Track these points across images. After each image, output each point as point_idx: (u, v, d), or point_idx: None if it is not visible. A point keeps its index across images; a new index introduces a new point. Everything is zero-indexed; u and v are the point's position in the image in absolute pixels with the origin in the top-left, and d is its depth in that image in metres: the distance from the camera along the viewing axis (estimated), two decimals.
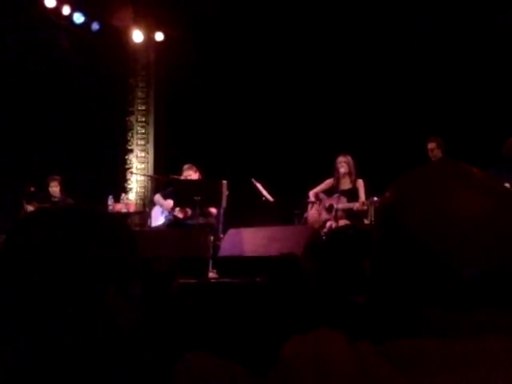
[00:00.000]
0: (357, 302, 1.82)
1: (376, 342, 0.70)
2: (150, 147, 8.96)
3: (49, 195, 7.48)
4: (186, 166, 6.77)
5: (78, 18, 8.06)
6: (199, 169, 6.84)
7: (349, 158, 6.46)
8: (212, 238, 6.25)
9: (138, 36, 8.49)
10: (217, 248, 6.10)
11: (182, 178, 6.73)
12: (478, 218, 0.67)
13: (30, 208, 7.00)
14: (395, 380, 0.64)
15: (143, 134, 8.98)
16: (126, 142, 8.94)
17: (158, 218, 6.80)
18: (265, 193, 6.79)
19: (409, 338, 0.68)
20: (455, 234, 0.67)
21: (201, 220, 6.36)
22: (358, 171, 6.50)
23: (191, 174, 6.70)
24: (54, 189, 7.43)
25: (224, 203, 6.24)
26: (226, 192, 6.19)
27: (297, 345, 0.72)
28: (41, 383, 0.81)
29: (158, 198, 6.91)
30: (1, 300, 0.85)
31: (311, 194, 6.68)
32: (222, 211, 6.65)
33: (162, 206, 6.78)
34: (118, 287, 0.86)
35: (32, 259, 0.83)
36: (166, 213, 6.76)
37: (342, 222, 5.95)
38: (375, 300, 0.76)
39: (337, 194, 6.35)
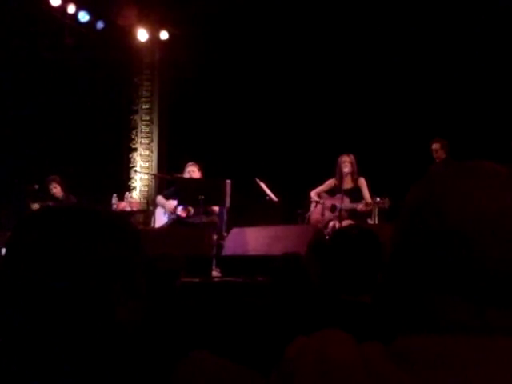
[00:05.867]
0: (361, 302, 1.82)
1: (381, 342, 0.70)
2: (154, 146, 8.96)
3: (51, 194, 7.48)
4: (189, 163, 6.77)
5: (83, 16, 8.07)
6: (203, 168, 6.84)
7: (352, 158, 6.46)
8: (216, 236, 6.25)
9: (142, 35, 8.49)
10: (220, 247, 6.10)
11: (186, 173, 6.72)
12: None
13: (35, 206, 7.01)
14: (401, 382, 0.64)
15: (147, 132, 8.99)
16: (130, 140, 8.94)
17: (161, 219, 6.78)
18: (268, 192, 6.79)
19: (416, 336, 0.68)
20: (491, 227, 0.66)
21: (204, 218, 6.35)
22: (359, 170, 6.50)
23: (195, 170, 6.69)
24: (54, 190, 7.42)
25: (228, 203, 6.24)
26: (229, 191, 6.18)
27: (301, 345, 0.71)
28: (43, 381, 0.81)
29: (159, 199, 6.88)
30: (4, 297, 0.85)
31: (313, 193, 6.68)
32: (225, 210, 6.64)
33: (164, 207, 6.75)
34: (122, 286, 0.86)
35: (36, 257, 0.84)
36: (168, 213, 6.76)
37: (346, 222, 5.93)
38: (384, 298, 0.75)
39: (340, 194, 6.35)
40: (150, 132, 8.99)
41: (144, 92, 9.00)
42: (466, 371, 0.64)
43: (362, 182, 6.46)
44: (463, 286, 0.67)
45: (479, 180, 0.70)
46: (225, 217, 6.70)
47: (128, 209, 7.44)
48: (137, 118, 8.98)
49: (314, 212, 6.62)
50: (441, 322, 0.68)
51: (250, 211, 6.77)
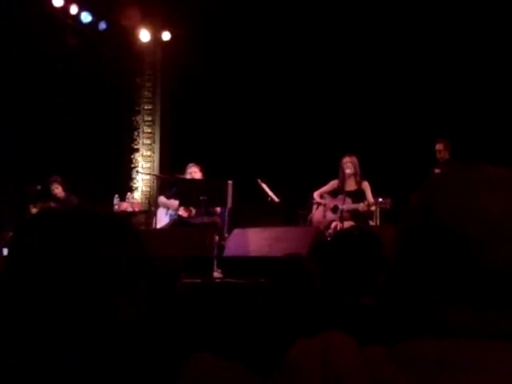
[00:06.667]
0: (362, 304, 1.82)
1: (383, 345, 0.70)
2: (156, 146, 8.97)
3: (53, 195, 7.50)
4: (190, 164, 6.80)
5: (86, 17, 8.08)
6: (205, 168, 6.85)
7: (354, 159, 6.45)
8: (217, 237, 6.25)
9: (144, 35, 8.50)
10: (222, 248, 6.10)
11: (187, 174, 6.74)
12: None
13: (34, 210, 7.03)
14: None
15: (149, 133, 9.00)
16: (132, 141, 8.95)
17: (162, 220, 6.79)
18: (270, 193, 6.79)
19: (418, 339, 0.68)
20: (493, 230, 0.66)
21: (205, 219, 6.35)
22: (363, 172, 6.49)
23: (197, 170, 6.71)
24: (56, 191, 7.45)
25: (229, 203, 6.24)
26: (231, 192, 6.18)
27: (303, 347, 0.71)
28: (46, 381, 0.81)
29: (162, 199, 6.89)
30: (7, 299, 0.85)
31: (316, 194, 6.67)
32: (227, 211, 6.65)
33: (167, 206, 6.77)
34: (124, 286, 0.86)
35: (38, 259, 0.84)
36: (170, 212, 6.76)
37: (347, 223, 5.93)
38: (386, 300, 0.75)
39: (342, 195, 6.34)
40: (152, 133, 9.00)
41: (146, 93, 9.01)
42: (468, 374, 0.64)
43: (366, 185, 6.45)
44: (464, 289, 0.67)
45: (481, 182, 0.70)
46: (226, 218, 6.71)
47: (130, 209, 7.44)
48: (139, 118, 8.99)
49: (316, 213, 6.62)
50: (442, 325, 0.67)
51: (251, 212, 6.77)
